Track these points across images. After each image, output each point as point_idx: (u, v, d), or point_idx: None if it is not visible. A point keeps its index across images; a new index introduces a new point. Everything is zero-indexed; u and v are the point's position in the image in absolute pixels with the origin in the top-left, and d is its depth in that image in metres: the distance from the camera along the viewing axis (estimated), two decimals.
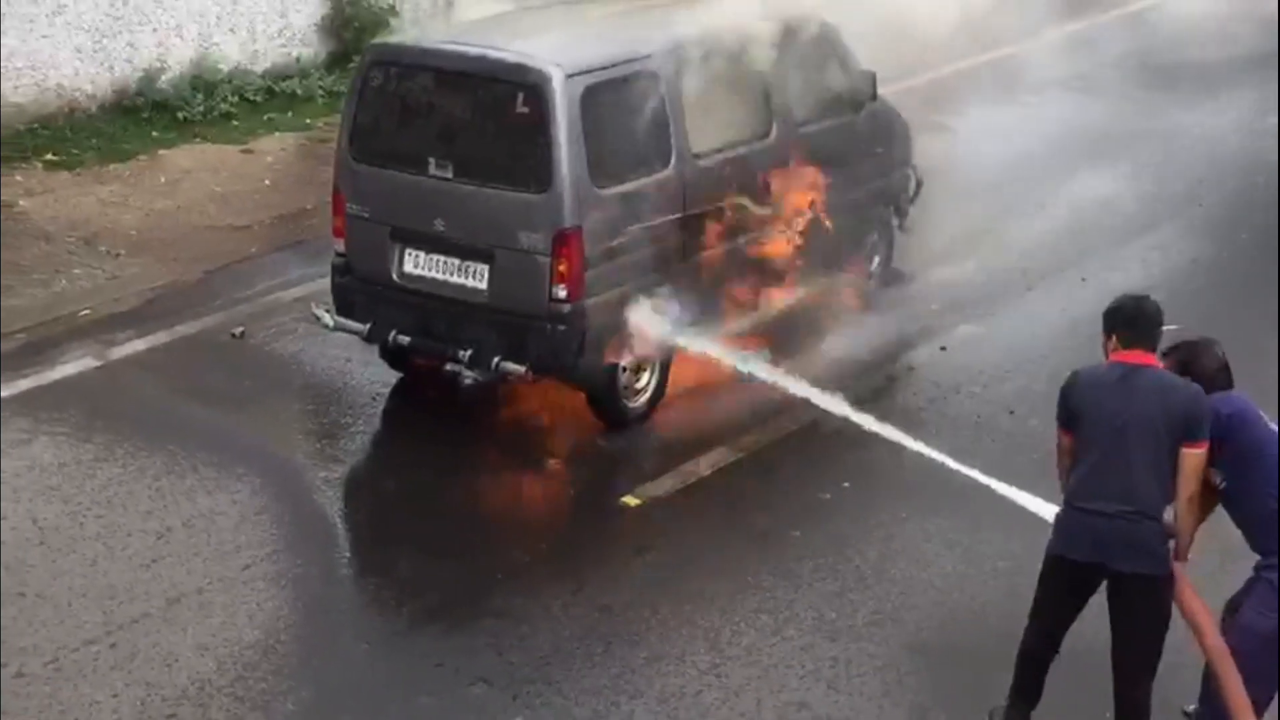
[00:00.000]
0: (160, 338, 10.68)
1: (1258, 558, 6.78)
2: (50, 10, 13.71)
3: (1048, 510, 7.30)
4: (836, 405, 9.30)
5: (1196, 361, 6.78)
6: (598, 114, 9.17)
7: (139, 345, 10.54)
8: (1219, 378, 6.79)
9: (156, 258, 11.94)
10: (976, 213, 12.57)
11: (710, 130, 9.78)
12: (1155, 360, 6.73)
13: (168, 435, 9.38)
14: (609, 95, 9.30)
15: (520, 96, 9.14)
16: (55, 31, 13.77)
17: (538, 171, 9.07)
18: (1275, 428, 6.73)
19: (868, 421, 9.22)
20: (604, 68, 9.32)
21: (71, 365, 10.19)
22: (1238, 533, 6.86)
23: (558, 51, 9.32)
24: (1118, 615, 6.71)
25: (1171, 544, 6.69)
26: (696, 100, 9.63)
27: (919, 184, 11.65)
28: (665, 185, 9.53)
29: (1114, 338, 6.77)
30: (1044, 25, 15.74)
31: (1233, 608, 6.93)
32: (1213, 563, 7.33)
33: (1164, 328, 6.81)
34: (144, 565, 8.15)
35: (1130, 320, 6.76)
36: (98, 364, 10.28)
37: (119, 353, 10.44)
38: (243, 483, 8.96)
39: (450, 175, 9.30)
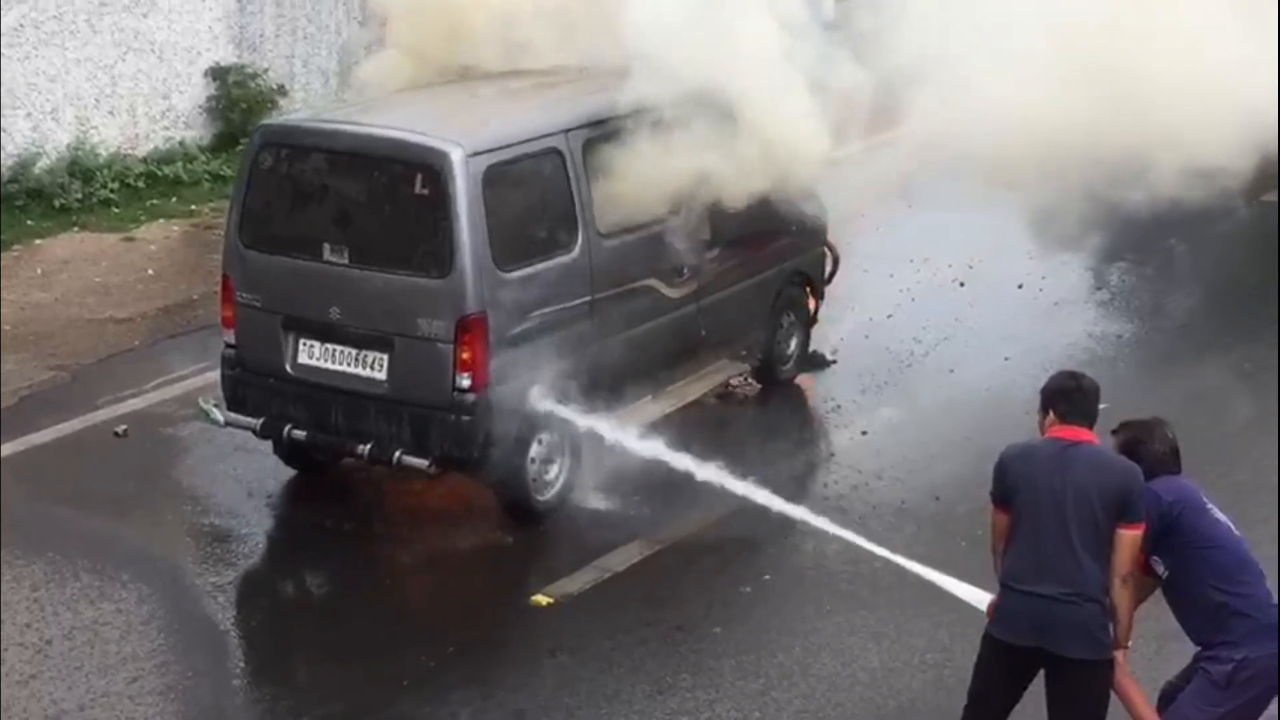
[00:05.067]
0: (37, 438, 10.57)
1: (1196, 647, 6.87)
2: None
3: (977, 598, 7.31)
4: (755, 493, 9.28)
5: (1144, 442, 6.84)
6: (500, 194, 9.24)
7: (14, 447, 10.41)
8: (1167, 460, 6.86)
9: (32, 354, 11.85)
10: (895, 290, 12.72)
11: (618, 209, 9.85)
12: (1093, 437, 6.81)
13: (47, 542, 9.27)
14: (512, 174, 9.38)
15: (419, 177, 9.18)
16: None
17: (438, 255, 9.10)
18: (1221, 516, 6.81)
19: (788, 510, 9.22)
20: (506, 146, 9.39)
21: None
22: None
23: (457, 130, 9.38)
24: (1056, 701, 6.74)
25: (1111, 628, 6.74)
26: (604, 178, 9.70)
27: (835, 262, 11.78)
28: (572, 267, 9.60)
29: (1051, 413, 6.85)
30: None
31: (1167, 696, 7.01)
32: (1150, 647, 7.39)
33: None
34: (21, 682, 8.02)
35: (1068, 396, 6.84)
36: None
37: None
38: (128, 590, 8.86)
39: (346, 261, 9.31)
